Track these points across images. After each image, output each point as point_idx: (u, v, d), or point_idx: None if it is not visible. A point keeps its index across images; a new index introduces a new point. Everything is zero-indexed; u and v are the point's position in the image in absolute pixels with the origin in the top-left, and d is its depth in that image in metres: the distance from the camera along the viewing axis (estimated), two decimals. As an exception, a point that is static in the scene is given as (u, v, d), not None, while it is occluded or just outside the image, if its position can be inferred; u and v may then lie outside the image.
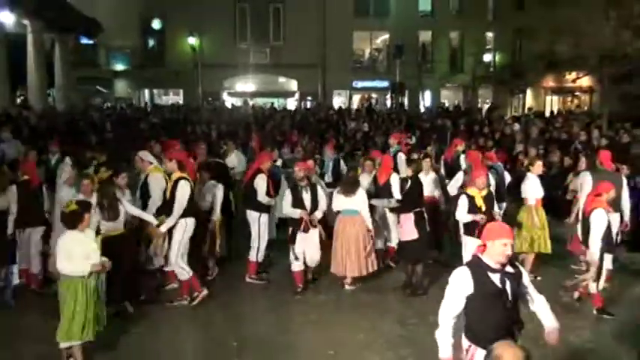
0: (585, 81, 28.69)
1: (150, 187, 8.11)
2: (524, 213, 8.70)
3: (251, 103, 33.63)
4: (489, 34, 36.44)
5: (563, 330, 4.74)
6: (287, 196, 8.07)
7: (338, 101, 35.88)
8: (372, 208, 8.56)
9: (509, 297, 4.19)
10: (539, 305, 4.47)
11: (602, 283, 7.36)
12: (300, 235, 7.99)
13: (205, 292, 7.70)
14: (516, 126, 19.07)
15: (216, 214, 8.49)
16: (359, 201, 8.13)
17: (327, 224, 8.62)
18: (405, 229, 8.17)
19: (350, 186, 8.19)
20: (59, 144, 10.96)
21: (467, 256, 7.34)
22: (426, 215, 8.30)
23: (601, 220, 7.07)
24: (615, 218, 8.18)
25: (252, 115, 27.67)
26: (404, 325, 7.21)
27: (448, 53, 36.03)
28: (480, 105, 35.08)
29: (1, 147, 12.64)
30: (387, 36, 35.57)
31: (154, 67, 33.04)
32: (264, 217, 8.51)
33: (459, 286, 4.24)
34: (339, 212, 8.28)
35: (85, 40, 32.15)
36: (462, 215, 7.69)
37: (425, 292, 8.20)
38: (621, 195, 8.27)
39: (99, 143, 14.30)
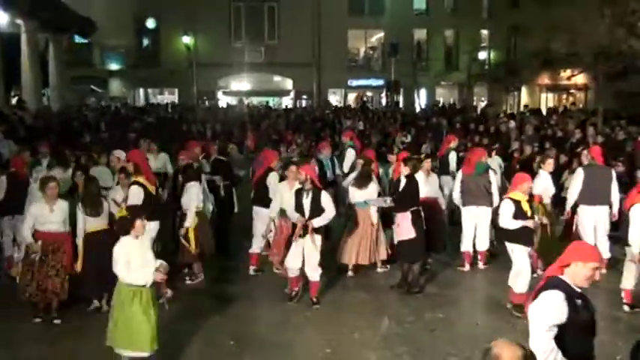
0: (580, 78, 28.67)
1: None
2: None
3: (246, 102, 33.62)
4: (484, 32, 36.49)
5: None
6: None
7: (333, 100, 35.87)
8: None
9: (596, 326, 3.80)
10: None
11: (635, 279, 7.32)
12: (295, 242, 7.52)
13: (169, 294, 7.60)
14: (512, 123, 19.09)
15: (189, 221, 8.10)
16: (372, 193, 8.60)
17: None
18: (402, 228, 8.07)
19: (364, 179, 8.67)
20: (49, 146, 10.85)
21: (518, 267, 7.33)
22: (422, 214, 8.23)
23: None
24: (601, 211, 8.68)
25: (248, 114, 27.68)
26: (400, 323, 7.20)
27: (443, 51, 36.08)
28: (475, 103, 35.13)
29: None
30: (382, 34, 35.57)
31: (149, 66, 32.96)
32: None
33: (556, 313, 3.63)
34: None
35: (79, 40, 32.12)
36: (509, 222, 7.23)
37: (421, 291, 8.19)
38: (610, 189, 8.67)
39: (93, 143, 14.23)
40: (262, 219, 8.66)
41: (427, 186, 8.81)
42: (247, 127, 22.52)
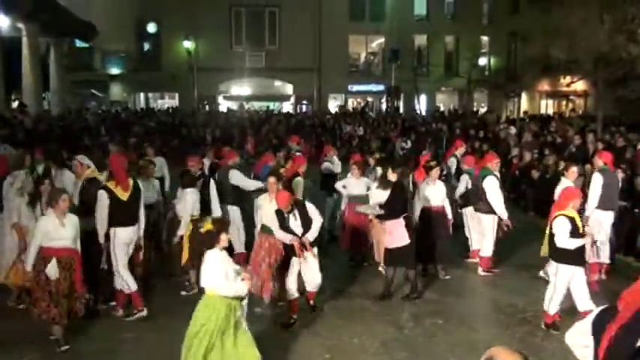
0: (580, 85, 28.77)
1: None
2: None
3: (246, 106, 33.65)
4: (484, 38, 36.57)
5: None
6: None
7: (333, 105, 35.91)
8: None
9: None
10: None
11: None
12: (294, 260, 7.22)
13: (144, 313, 7.39)
14: (512, 129, 19.12)
15: (182, 228, 8.03)
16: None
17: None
18: (394, 235, 7.94)
19: (386, 182, 8.65)
20: (43, 152, 10.72)
21: (556, 288, 6.98)
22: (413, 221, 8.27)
23: None
24: (609, 216, 8.73)
25: (248, 119, 27.72)
26: (399, 329, 7.20)
27: (443, 57, 36.13)
28: (475, 109, 35.17)
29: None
30: (382, 40, 35.63)
31: (150, 70, 32.98)
32: None
33: None
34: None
35: (80, 44, 32.18)
36: (566, 241, 6.76)
37: (419, 296, 8.18)
38: (617, 193, 8.81)
39: (93, 146, 14.22)
40: None
41: (436, 194, 8.80)
42: (247, 131, 22.55)
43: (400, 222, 7.91)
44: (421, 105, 35.25)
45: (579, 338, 3.45)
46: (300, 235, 7.04)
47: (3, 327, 7.06)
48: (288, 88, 35.85)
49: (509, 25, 33.47)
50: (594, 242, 6.88)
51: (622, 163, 11.27)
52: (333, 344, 6.75)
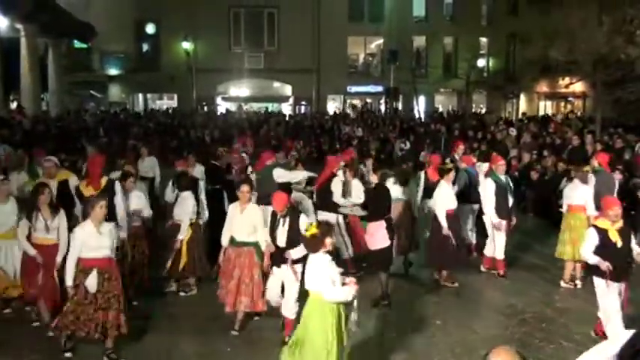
0: (579, 86, 28.82)
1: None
2: (576, 219, 8.63)
3: (245, 107, 33.63)
4: (483, 40, 36.57)
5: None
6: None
7: (332, 107, 35.91)
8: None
9: None
10: None
11: None
12: (271, 276, 6.82)
13: None
14: (512, 131, 19.12)
15: (183, 232, 7.96)
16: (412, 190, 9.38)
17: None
18: (376, 237, 7.88)
19: (403, 177, 9.11)
20: (42, 154, 10.65)
21: (602, 306, 6.63)
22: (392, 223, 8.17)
23: None
24: None
25: (247, 120, 27.70)
26: (399, 329, 7.18)
27: (442, 58, 36.13)
28: (474, 110, 35.18)
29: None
30: (381, 41, 35.62)
31: (148, 71, 32.93)
32: (340, 217, 8.96)
33: None
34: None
35: (78, 44, 32.11)
36: (588, 254, 6.55)
37: (390, 303, 7.92)
38: (614, 194, 8.81)
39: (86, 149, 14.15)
40: None
41: (450, 197, 8.69)
42: (246, 132, 22.53)
43: (382, 224, 7.84)
44: (420, 106, 35.28)
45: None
46: (279, 244, 6.58)
47: (2, 328, 7.05)
48: (287, 89, 35.84)
49: (508, 26, 33.53)
50: (610, 271, 6.34)
51: (620, 164, 11.28)
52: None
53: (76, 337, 6.16)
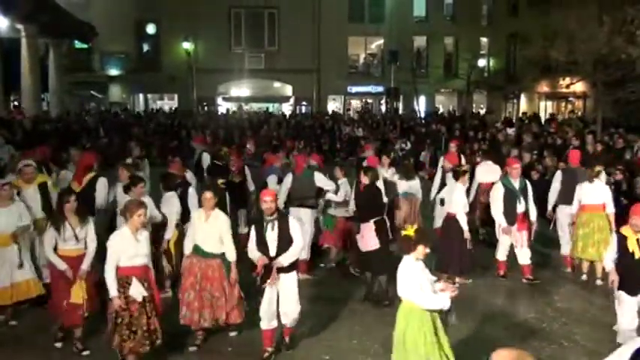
0: (579, 86, 28.78)
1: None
2: (601, 219, 8.66)
3: (245, 108, 33.62)
4: (484, 40, 36.60)
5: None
6: (252, 234, 6.34)
7: (332, 107, 35.93)
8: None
9: None
10: None
11: None
12: (267, 288, 6.24)
13: None
14: (509, 130, 19.12)
15: (169, 232, 7.89)
16: (416, 185, 10.04)
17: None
18: (365, 239, 7.87)
19: (407, 172, 9.88)
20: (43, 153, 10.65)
21: (618, 321, 6.32)
22: (387, 224, 8.16)
23: None
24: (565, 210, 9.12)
25: (247, 120, 27.70)
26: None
27: (443, 58, 36.17)
28: (474, 110, 35.18)
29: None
30: (381, 41, 35.64)
31: (149, 71, 32.96)
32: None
33: None
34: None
35: (79, 45, 32.13)
36: (607, 260, 6.34)
37: (391, 303, 8.03)
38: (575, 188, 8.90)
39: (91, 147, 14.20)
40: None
41: (465, 200, 8.57)
42: (246, 133, 22.53)
43: (370, 226, 7.82)
44: (420, 106, 35.31)
45: None
46: (270, 252, 6.15)
47: (2, 329, 7.06)
48: (288, 90, 35.84)
49: (509, 26, 33.54)
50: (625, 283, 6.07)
51: (620, 164, 11.27)
52: (332, 345, 6.74)
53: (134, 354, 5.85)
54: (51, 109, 25.91)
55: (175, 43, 32.97)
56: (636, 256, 5.98)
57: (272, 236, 6.12)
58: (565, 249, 9.30)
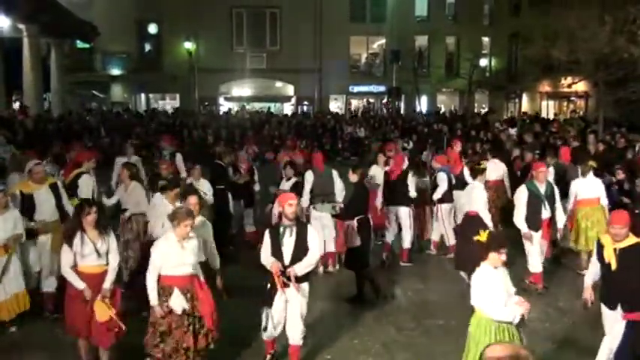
0: (581, 86, 28.73)
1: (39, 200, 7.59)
2: (599, 211, 8.91)
3: (247, 107, 33.62)
4: (485, 39, 36.56)
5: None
6: (266, 240, 5.96)
7: (334, 106, 35.92)
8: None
9: None
10: None
11: None
12: (277, 296, 5.87)
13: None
14: (511, 130, 19.09)
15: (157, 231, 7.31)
16: (427, 183, 10.38)
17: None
18: (349, 236, 8.04)
19: (417, 169, 10.11)
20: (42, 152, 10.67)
21: (604, 340, 5.67)
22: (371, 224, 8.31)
23: None
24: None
25: (249, 120, 27.71)
26: (400, 330, 7.19)
27: (444, 58, 36.14)
28: (476, 110, 35.16)
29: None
30: (383, 41, 35.62)
31: (150, 71, 32.96)
32: (411, 211, 9.61)
33: None
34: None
35: (81, 45, 32.17)
36: (588, 273, 6.03)
37: (385, 296, 8.14)
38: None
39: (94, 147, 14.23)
40: (404, 216, 9.49)
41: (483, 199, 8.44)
42: (248, 132, 22.55)
43: (352, 224, 7.97)
44: (422, 106, 35.30)
45: None
46: (285, 259, 5.82)
47: (3, 337, 7.02)
48: (289, 89, 35.84)
49: (510, 26, 33.50)
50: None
51: (622, 163, 11.26)
52: (334, 345, 6.75)
53: None
54: (53, 109, 25.93)
55: (177, 43, 32.97)
56: (612, 268, 5.42)
57: (289, 243, 5.82)
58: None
